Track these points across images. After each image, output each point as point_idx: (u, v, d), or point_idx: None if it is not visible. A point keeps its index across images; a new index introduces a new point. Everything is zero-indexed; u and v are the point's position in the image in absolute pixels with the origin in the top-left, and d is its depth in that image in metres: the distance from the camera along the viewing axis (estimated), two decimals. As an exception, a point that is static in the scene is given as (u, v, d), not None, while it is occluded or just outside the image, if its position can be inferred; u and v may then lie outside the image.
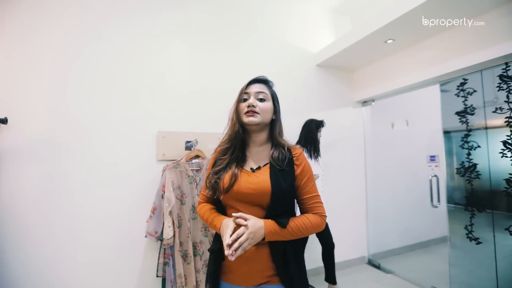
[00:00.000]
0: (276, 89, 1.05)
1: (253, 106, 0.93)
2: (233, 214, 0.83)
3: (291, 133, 1.97)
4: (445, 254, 2.28)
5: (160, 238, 1.82)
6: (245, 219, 0.81)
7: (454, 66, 2.08)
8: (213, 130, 2.23)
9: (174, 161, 1.97)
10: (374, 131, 3.09)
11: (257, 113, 0.93)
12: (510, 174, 1.80)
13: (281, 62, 2.70)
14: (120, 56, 2.06)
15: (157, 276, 1.87)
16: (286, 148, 0.96)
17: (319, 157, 2.25)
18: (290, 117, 2.36)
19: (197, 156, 2.00)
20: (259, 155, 0.98)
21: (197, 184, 1.91)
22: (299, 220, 0.89)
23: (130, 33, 2.10)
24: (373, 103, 3.03)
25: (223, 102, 2.28)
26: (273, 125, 1.00)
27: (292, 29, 2.84)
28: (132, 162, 2.04)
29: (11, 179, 1.73)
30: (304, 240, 0.90)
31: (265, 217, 0.87)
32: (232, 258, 0.76)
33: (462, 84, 2.10)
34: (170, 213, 1.74)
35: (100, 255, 1.89)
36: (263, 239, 0.83)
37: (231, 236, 0.78)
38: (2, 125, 1.69)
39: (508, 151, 1.81)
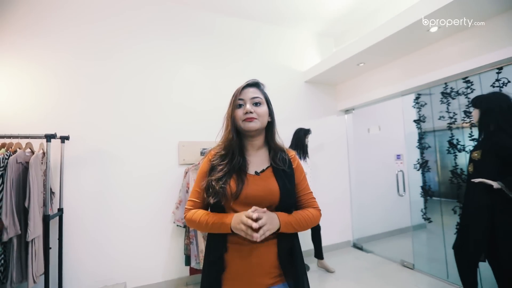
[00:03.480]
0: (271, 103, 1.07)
1: (251, 112, 0.92)
2: (249, 211, 0.83)
3: (284, 140, 2.53)
4: (419, 237, 2.85)
5: (185, 224, 2.38)
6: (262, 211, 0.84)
7: (411, 84, 2.65)
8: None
9: (193, 164, 2.53)
10: (355, 134, 3.66)
11: (255, 118, 0.93)
12: (453, 166, 2.37)
13: (275, 81, 3.27)
14: (145, 83, 2.63)
15: (184, 254, 2.42)
16: (284, 151, 1.01)
17: (307, 158, 2.82)
18: (283, 126, 2.90)
19: (211, 160, 2.56)
20: (258, 158, 0.99)
21: (212, 181, 2.47)
22: (304, 213, 0.94)
23: (161, 62, 2.68)
24: (353, 111, 3.61)
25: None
26: (270, 128, 1.01)
27: (283, 52, 3.41)
28: (160, 166, 2.60)
29: (74, 181, 2.29)
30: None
31: None
32: (259, 239, 0.77)
33: (417, 98, 2.68)
34: (194, 203, 2.30)
35: (138, 237, 2.45)
36: (277, 230, 0.85)
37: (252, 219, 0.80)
38: (66, 141, 2.24)
39: (451, 149, 2.38)
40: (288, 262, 0.90)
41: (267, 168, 0.96)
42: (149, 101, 2.62)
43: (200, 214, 0.92)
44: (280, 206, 0.91)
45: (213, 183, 0.90)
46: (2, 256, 1.68)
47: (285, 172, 0.94)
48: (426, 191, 2.57)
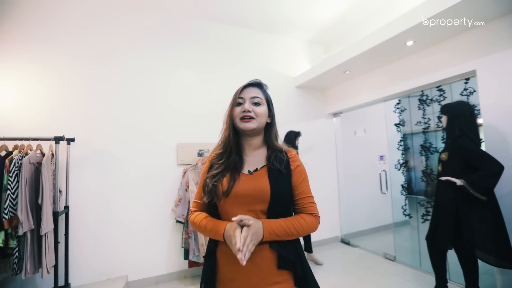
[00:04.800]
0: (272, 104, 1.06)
1: (248, 111, 0.91)
2: (233, 218, 0.79)
3: (276, 142, 2.76)
4: (401, 231, 3.09)
5: (186, 219, 2.56)
6: (248, 220, 0.80)
7: (392, 91, 2.89)
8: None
9: (191, 164, 2.71)
10: (343, 137, 3.89)
11: (253, 118, 0.92)
12: (424, 167, 2.62)
13: (268, 85, 3.46)
14: (143, 87, 2.80)
15: (182, 247, 2.60)
16: (283, 152, 0.97)
17: (298, 159, 3.02)
18: (276, 129, 3.15)
19: (208, 161, 2.75)
20: (255, 158, 0.96)
21: (209, 180, 2.66)
22: (295, 220, 0.87)
23: (159, 68, 2.84)
24: (341, 115, 3.84)
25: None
26: (269, 129, 0.99)
27: (275, 58, 3.62)
28: (159, 166, 2.77)
29: (79, 181, 2.45)
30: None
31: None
32: (244, 262, 0.73)
33: (398, 103, 2.92)
34: (192, 201, 2.48)
35: (139, 232, 2.61)
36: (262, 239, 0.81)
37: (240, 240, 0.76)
38: (72, 143, 2.39)
39: (424, 151, 2.63)
40: (287, 267, 0.86)
41: (261, 167, 0.93)
42: (148, 105, 2.79)
43: (200, 217, 0.92)
44: (271, 206, 0.87)
45: (208, 180, 0.91)
46: (17, 249, 1.83)
47: (280, 172, 0.91)
48: (407, 189, 2.82)
